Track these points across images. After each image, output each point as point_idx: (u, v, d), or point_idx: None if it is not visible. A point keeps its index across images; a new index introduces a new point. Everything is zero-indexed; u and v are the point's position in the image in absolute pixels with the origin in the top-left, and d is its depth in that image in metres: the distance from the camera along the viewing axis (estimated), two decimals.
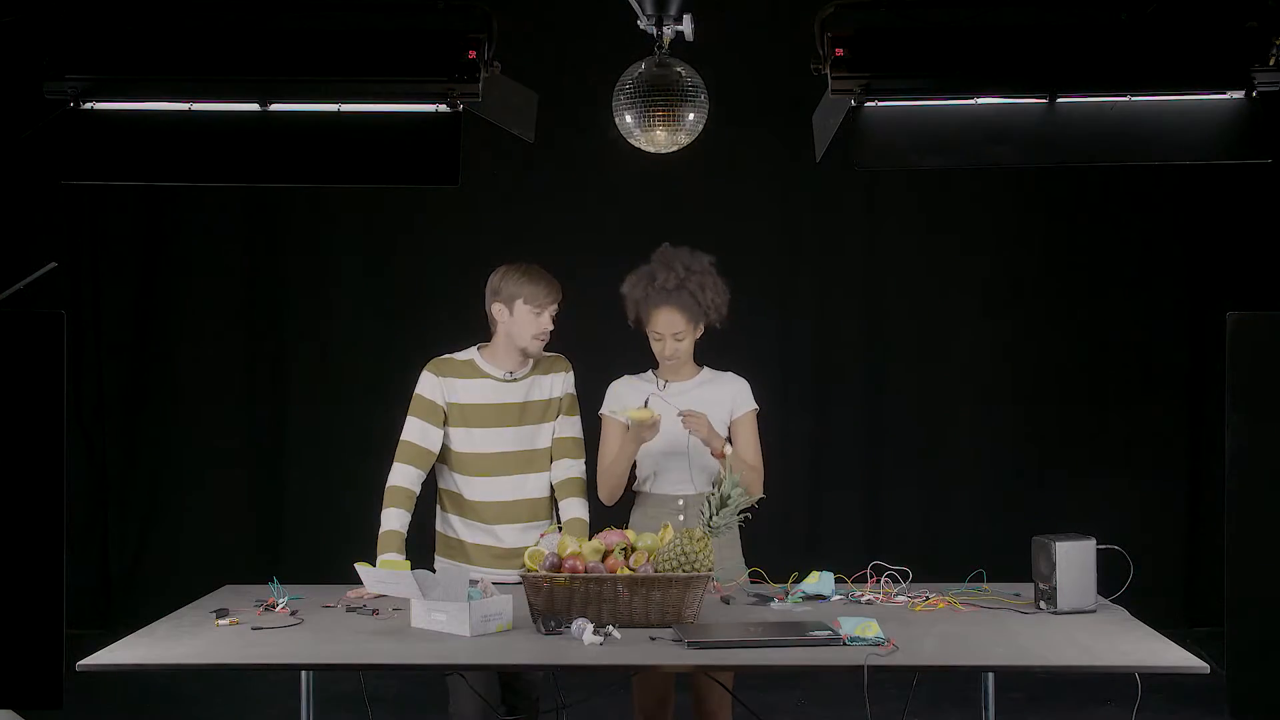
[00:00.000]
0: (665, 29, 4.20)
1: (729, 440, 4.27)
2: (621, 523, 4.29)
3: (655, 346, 4.29)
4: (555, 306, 4.28)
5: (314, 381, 7.46)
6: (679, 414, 4.16)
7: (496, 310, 4.28)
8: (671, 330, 4.24)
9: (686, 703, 4.26)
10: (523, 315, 4.24)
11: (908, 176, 7.10)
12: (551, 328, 4.28)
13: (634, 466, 4.34)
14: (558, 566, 3.73)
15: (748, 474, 4.22)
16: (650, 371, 4.40)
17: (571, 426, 4.38)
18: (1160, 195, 7.23)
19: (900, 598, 4.07)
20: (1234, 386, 3.76)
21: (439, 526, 4.40)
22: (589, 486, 4.37)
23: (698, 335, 4.31)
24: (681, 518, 4.21)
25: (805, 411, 7.38)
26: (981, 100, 4.31)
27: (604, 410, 4.37)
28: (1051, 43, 4.28)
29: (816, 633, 3.60)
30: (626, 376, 4.41)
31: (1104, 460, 7.31)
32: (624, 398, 4.34)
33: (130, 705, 5.91)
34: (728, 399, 4.33)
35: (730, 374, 4.40)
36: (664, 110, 4.26)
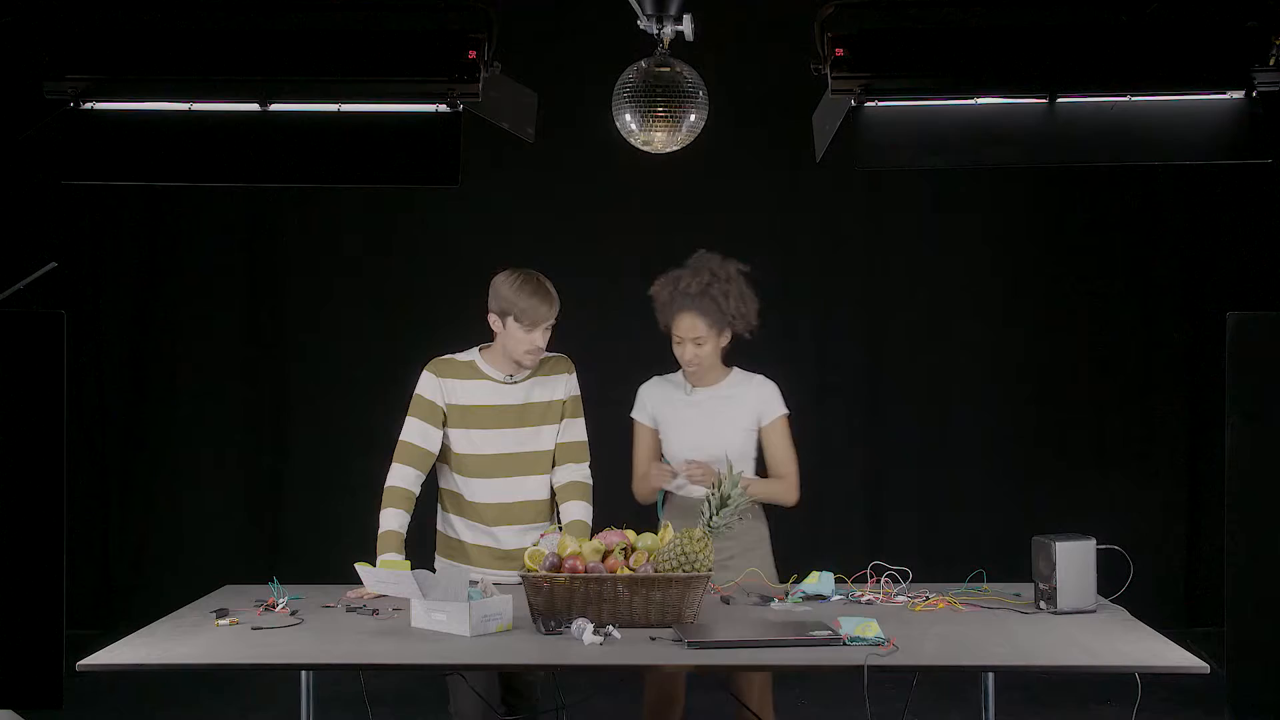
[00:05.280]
0: (665, 29, 4.20)
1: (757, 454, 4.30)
2: (620, 524, 4.30)
3: (676, 350, 4.29)
4: (549, 324, 4.22)
5: (314, 382, 7.45)
6: (685, 466, 4.16)
7: (492, 320, 4.27)
8: (691, 335, 4.23)
9: (701, 705, 4.24)
10: (514, 330, 4.20)
11: (908, 177, 7.09)
12: (542, 344, 4.23)
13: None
14: (558, 566, 3.73)
15: (776, 484, 4.24)
16: (679, 373, 4.40)
17: (576, 430, 4.36)
18: (1160, 195, 7.23)
19: (900, 598, 4.07)
20: (1234, 386, 3.76)
21: (439, 526, 4.40)
22: (593, 490, 4.36)
23: (723, 343, 4.31)
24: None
25: (805, 412, 7.29)
26: (982, 100, 4.31)
27: (633, 414, 4.38)
28: (1051, 43, 4.28)
29: (816, 633, 3.60)
30: (655, 379, 4.42)
31: (1104, 460, 7.31)
32: (650, 400, 4.36)
33: (130, 705, 5.90)
34: (754, 405, 4.33)
35: (760, 377, 4.38)
36: (664, 110, 4.26)
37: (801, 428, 7.32)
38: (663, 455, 4.37)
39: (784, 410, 4.34)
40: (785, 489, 4.29)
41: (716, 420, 4.28)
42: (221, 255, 7.49)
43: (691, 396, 4.33)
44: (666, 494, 4.38)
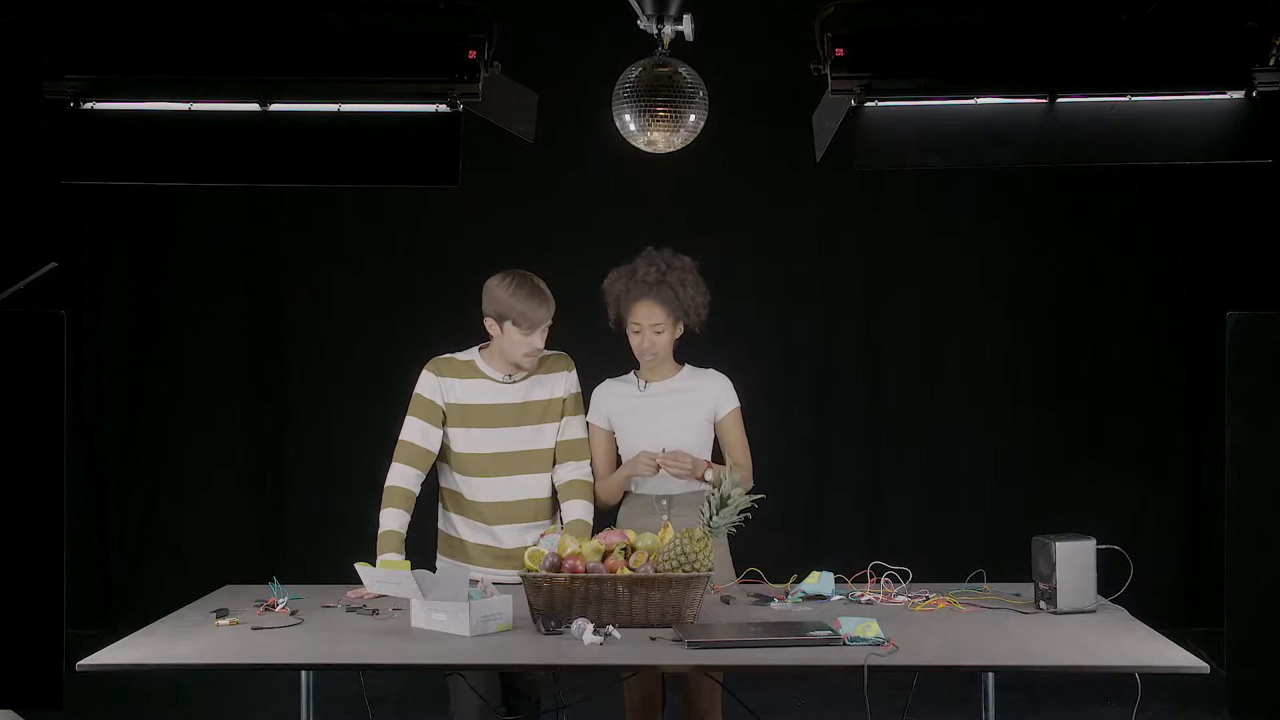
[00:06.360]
0: (665, 29, 4.21)
1: (710, 459, 4.30)
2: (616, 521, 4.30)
3: (634, 340, 4.31)
4: (546, 325, 4.23)
5: (314, 381, 7.45)
6: (658, 457, 4.17)
7: (489, 324, 4.27)
8: (651, 322, 4.25)
9: (679, 702, 4.26)
10: (512, 335, 4.21)
11: (908, 177, 7.10)
12: (541, 345, 4.24)
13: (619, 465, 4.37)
14: (558, 566, 3.73)
15: (738, 473, 4.23)
16: (632, 374, 4.41)
17: (576, 428, 4.36)
18: (1160, 195, 7.22)
19: (900, 598, 4.08)
20: (1234, 386, 3.76)
21: (441, 525, 4.40)
22: (593, 488, 4.36)
23: (677, 334, 4.32)
24: (665, 516, 4.22)
25: (805, 411, 7.38)
26: (982, 100, 4.31)
27: (589, 418, 4.38)
28: (1051, 43, 4.28)
29: (816, 633, 3.60)
30: (608, 380, 4.43)
31: (1104, 460, 7.31)
32: (604, 402, 4.36)
33: (130, 705, 5.90)
34: (710, 398, 4.34)
35: (711, 371, 4.40)
36: (664, 110, 4.26)
37: (802, 427, 7.39)
38: (619, 455, 4.38)
39: (737, 402, 4.37)
40: (744, 478, 4.30)
41: (672, 414, 4.29)
42: (221, 256, 7.48)
43: (645, 392, 4.34)
44: (625, 493, 4.38)
